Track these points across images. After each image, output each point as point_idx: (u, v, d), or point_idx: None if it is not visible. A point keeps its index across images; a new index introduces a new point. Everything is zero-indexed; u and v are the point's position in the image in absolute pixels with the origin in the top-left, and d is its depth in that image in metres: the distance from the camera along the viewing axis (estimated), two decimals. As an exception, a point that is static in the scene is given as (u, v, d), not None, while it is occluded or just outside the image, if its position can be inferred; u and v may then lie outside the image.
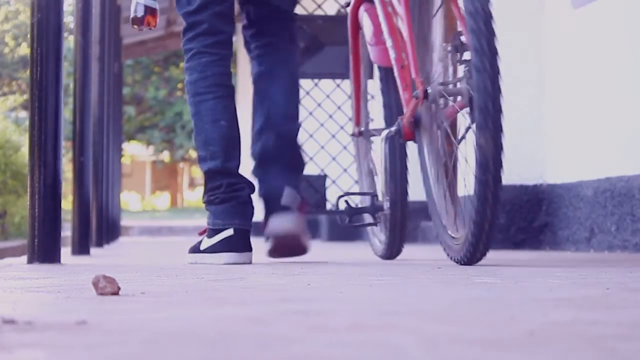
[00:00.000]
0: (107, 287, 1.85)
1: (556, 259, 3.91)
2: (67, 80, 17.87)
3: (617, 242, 4.62)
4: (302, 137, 8.06)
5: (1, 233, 10.25)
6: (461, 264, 3.07)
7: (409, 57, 3.23)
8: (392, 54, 3.36)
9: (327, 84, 7.88)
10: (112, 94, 8.69)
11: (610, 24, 4.78)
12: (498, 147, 2.82)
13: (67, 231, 5.62)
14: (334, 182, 7.56)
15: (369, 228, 3.98)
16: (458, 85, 3.07)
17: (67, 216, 5.80)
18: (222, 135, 3.47)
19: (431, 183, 3.35)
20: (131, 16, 3.65)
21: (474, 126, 2.88)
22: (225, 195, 3.47)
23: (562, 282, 2.19)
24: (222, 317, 1.43)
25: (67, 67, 19.45)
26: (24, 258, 3.74)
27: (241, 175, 3.50)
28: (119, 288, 1.86)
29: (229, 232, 3.44)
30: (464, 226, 3.07)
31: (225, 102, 3.50)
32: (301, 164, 3.61)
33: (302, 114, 8.22)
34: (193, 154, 29.22)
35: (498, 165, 2.83)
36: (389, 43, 3.39)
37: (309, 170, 8.08)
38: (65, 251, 4.21)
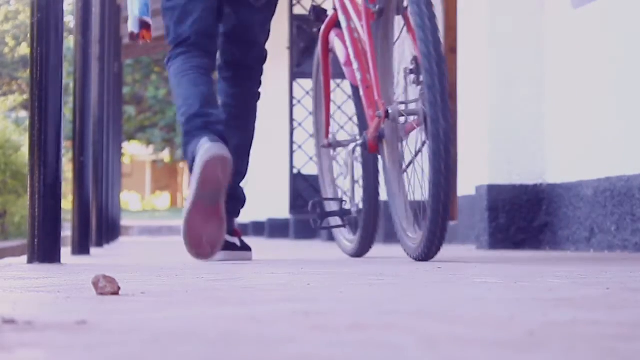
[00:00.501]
0: (107, 287, 1.85)
1: (556, 258, 3.91)
2: (67, 80, 17.87)
3: (617, 242, 4.62)
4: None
5: (1, 233, 10.25)
6: (419, 260, 3.38)
7: (372, 80, 3.63)
8: (358, 76, 3.76)
9: (327, 83, 7.88)
10: (112, 93, 8.69)
11: (610, 23, 4.78)
12: (449, 153, 3.20)
13: (67, 231, 5.62)
14: (334, 182, 7.55)
15: (336, 230, 4.34)
16: (415, 105, 3.48)
17: (67, 216, 5.80)
18: (202, 92, 3.64)
19: (392, 190, 3.69)
20: (128, 31, 3.93)
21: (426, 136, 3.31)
22: (200, 129, 3.55)
23: (562, 282, 2.19)
24: (222, 317, 1.43)
25: (67, 67, 19.44)
26: (24, 258, 3.74)
27: (220, 121, 3.62)
28: (119, 288, 1.86)
29: (204, 141, 3.45)
30: (420, 228, 3.41)
31: (208, 78, 3.72)
32: (239, 204, 3.92)
33: (303, 114, 8.23)
34: (193, 153, 29.09)
35: (449, 168, 3.21)
36: (355, 65, 3.80)
37: (309, 170, 8.09)
38: (65, 251, 4.21)
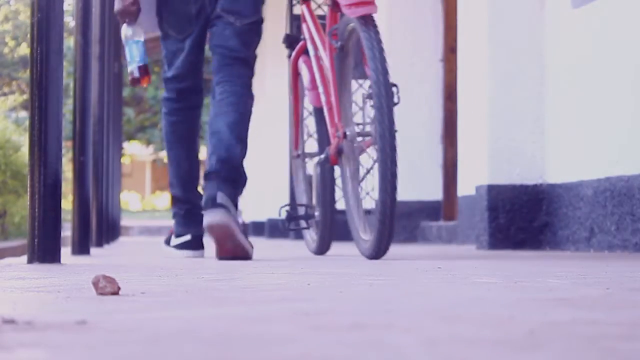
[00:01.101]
0: (107, 287, 1.85)
1: (556, 258, 3.91)
2: (67, 80, 17.85)
3: (617, 241, 4.62)
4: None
5: (1, 233, 10.25)
6: (370, 259, 3.78)
7: (334, 104, 4.17)
8: (322, 98, 4.33)
9: (327, 83, 7.88)
10: (112, 94, 8.69)
11: (610, 23, 4.78)
12: (394, 164, 3.67)
13: (67, 231, 5.62)
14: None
15: (305, 230, 4.84)
16: (369, 127, 4.00)
17: (67, 216, 5.79)
18: (184, 174, 4.61)
19: (349, 197, 4.18)
20: (130, 78, 4.42)
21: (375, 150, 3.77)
22: (185, 213, 4.60)
23: (562, 282, 2.19)
24: (222, 317, 1.43)
25: (67, 66, 19.44)
26: (24, 258, 3.74)
27: (195, 201, 4.55)
28: (119, 288, 1.86)
29: (188, 237, 4.58)
30: (372, 231, 3.83)
31: (191, 116, 4.59)
32: (240, 179, 4.25)
33: (302, 113, 8.22)
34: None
35: (394, 177, 3.67)
36: (320, 89, 4.37)
37: (309, 169, 8.08)
38: (65, 251, 4.21)
